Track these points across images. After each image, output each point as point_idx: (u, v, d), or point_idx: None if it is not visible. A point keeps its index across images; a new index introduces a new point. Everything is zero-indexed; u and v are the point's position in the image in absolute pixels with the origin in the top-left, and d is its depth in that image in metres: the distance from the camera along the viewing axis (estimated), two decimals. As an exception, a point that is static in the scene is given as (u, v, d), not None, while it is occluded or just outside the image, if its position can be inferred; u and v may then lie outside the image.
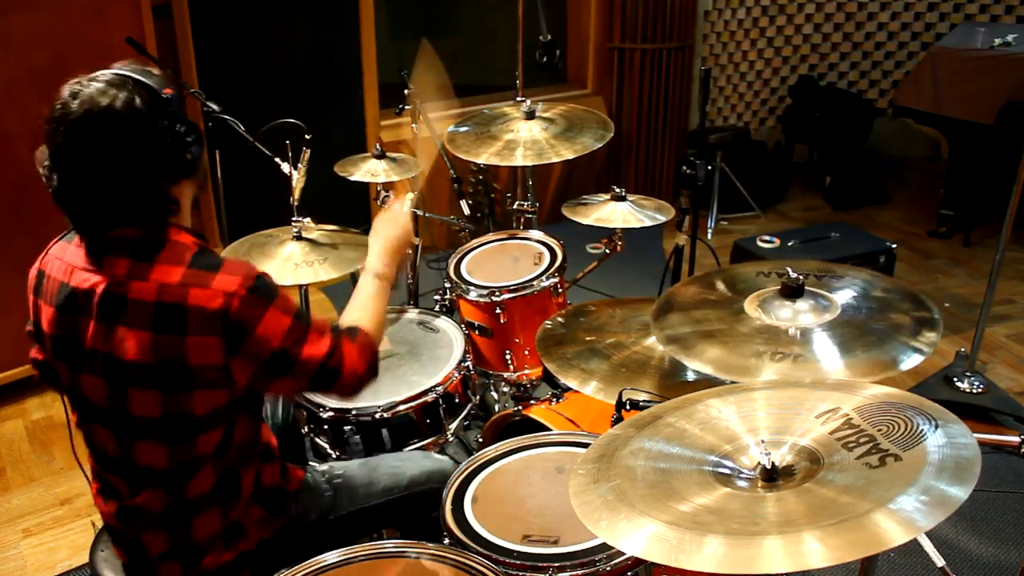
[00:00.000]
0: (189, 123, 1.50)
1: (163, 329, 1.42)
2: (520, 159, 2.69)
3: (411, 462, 1.87)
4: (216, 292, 1.42)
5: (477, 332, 2.52)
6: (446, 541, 1.60)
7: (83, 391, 1.53)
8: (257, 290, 1.45)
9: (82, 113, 1.39)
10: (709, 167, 4.48)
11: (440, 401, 2.12)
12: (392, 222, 1.86)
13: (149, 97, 1.43)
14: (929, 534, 2.22)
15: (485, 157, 2.72)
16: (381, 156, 2.91)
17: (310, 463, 1.85)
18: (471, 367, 2.25)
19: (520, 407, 2.22)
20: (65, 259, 1.52)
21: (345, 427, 2.06)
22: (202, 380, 1.45)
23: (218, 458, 1.54)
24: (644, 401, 1.68)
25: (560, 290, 2.54)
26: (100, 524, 1.72)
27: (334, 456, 2.11)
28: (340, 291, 4.09)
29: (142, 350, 1.43)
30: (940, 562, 2.13)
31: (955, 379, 3.18)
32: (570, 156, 2.67)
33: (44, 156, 1.44)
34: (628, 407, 1.69)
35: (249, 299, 1.43)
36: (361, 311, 1.68)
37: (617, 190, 2.67)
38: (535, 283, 2.48)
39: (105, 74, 1.45)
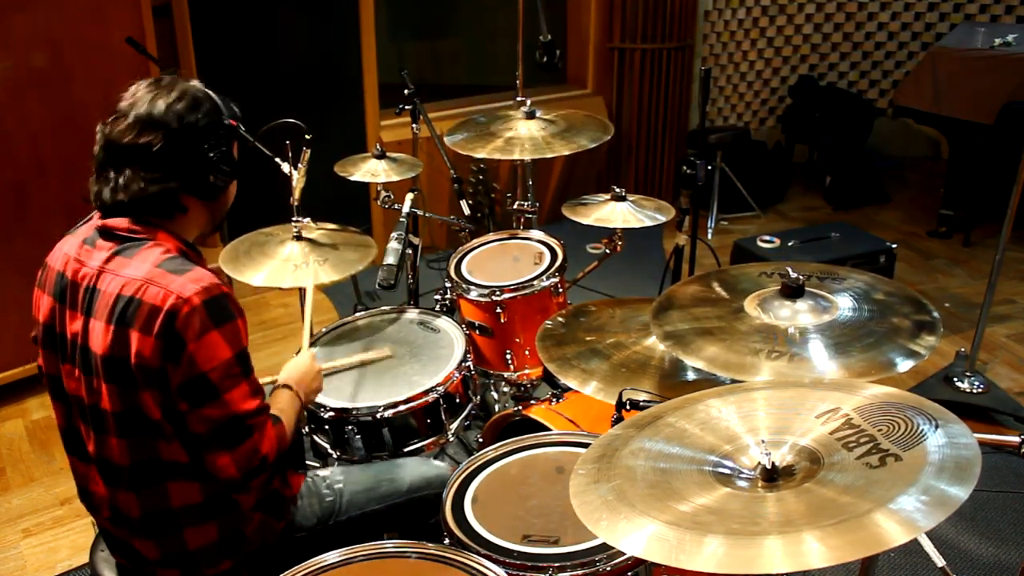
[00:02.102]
0: (232, 161, 1.57)
1: (117, 321, 1.44)
2: (518, 154, 2.71)
3: (410, 468, 1.88)
4: (170, 293, 1.42)
5: (477, 332, 2.52)
6: (446, 541, 1.60)
7: (64, 381, 1.55)
8: (210, 306, 1.43)
9: (149, 100, 1.48)
10: (709, 167, 4.48)
11: (441, 401, 2.12)
12: (305, 373, 1.81)
13: (209, 114, 1.52)
14: (929, 534, 2.22)
15: (485, 152, 2.74)
16: (381, 156, 2.91)
17: (311, 469, 1.85)
18: (472, 367, 2.25)
19: (520, 407, 2.22)
20: (63, 250, 1.57)
21: (346, 427, 2.06)
22: (144, 380, 1.44)
23: (204, 482, 1.53)
24: (644, 401, 1.68)
25: (560, 290, 2.54)
26: (100, 524, 1.72)
27: (335, 456, 2.11)
28: (340, 291, 4.09)
29: (104, 342, 1.45)
30: (940, 562, 2.13)
31: (955, 379, 3.18)
32: (566, 152, 2.69)
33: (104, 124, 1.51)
34: (628, 407, 1.68)
35: (199, 311, 1.42)
36: (282, 413, 1.65)
37: (617, 190, 2.67)
38: (535, 283, 2.48)
39: (196, 83, 1.56)
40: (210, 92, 1.56)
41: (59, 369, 1.56)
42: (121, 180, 1.47)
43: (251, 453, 1.50)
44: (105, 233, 1.51)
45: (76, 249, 1.54)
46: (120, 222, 1.50)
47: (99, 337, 1.45)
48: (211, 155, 1.52)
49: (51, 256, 1.59)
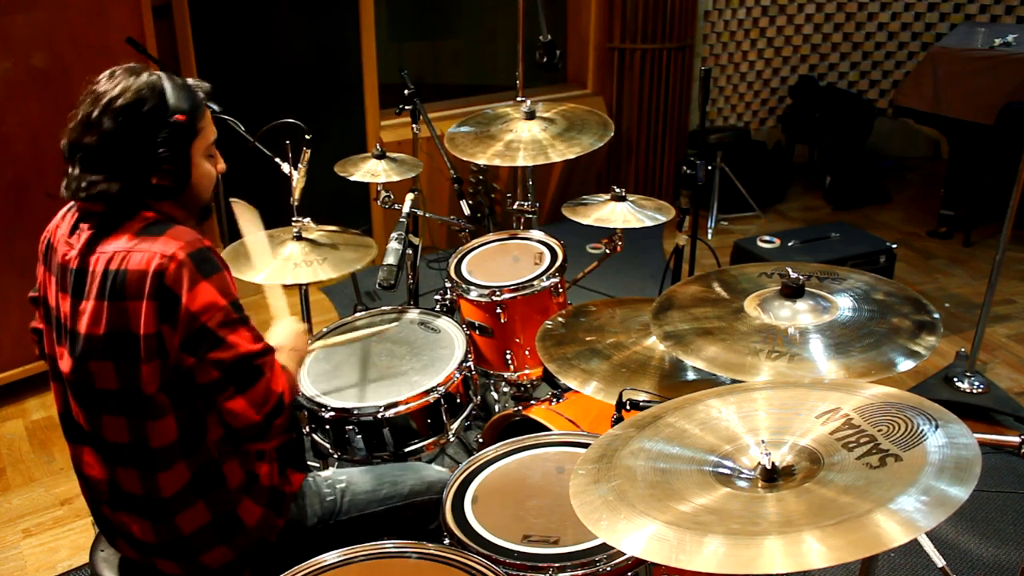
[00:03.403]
0: (181, 159, 1.49)
1: (109, 296, 1.44)
2: (520, 160, 2.69)
3: (412, 472, 1.87)
4: (155, 254, 1.42)
5: (478, 332, 2.52)
6: (446, 541, 1.60)
7: (58, 362, 1.56)
8: (196, 259, 1.44)
9: (93, 98, 1.46)
10: (709, 167, 4.49)
11: (442, 401, 2.12)
12: (289, 337, 1.78)
13: (151, 112, 1.46)
14: (929, 534, 2.22)
15: (485, 158, 2.72)
16: (381, 156, 2.91)
17: (312, 469, 1.85)
18: (472, 367, 2.25)
19: (520, 407, 2.22)
20: (61, 230, 1.57)
21: (347, 427, 2.06)
22: (147, 350, 1.44)
23: (191, 456, 1.53)
24: (644, 401, 1.68)
25: (560, 290, 2.53)
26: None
27: (335, 456, 2.11)
28: (340, 291, 4.09)
29: (96, 320, 1.45)
30: (940, 562, 2.13)
31: (955, 379, 3.18)
32: (570, 156, 2.67)
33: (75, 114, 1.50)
34: (628, 407, 1.68)
35: (186, 264, 1.42)
36: (285, 360, 1.65)
37: (617, 190, 2.67)
38: (535, 283, 2.47)
39: (152, 73, 1.50)
40: (165, 85, 1.48)
41: (55, 350, 1.57)
42: (74, 179, 1.47)
43: (266, 392, 1.49)
44: (87, 215, 1.51)
45: (67, 230, 1.54)
46: (101, 205, 1.49)
47: (94, 317, 1.45)
48: (152, 155, 1.46)
49: (54, 233, 1.59)
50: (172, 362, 1.45)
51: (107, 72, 1.50)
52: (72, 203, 1.58)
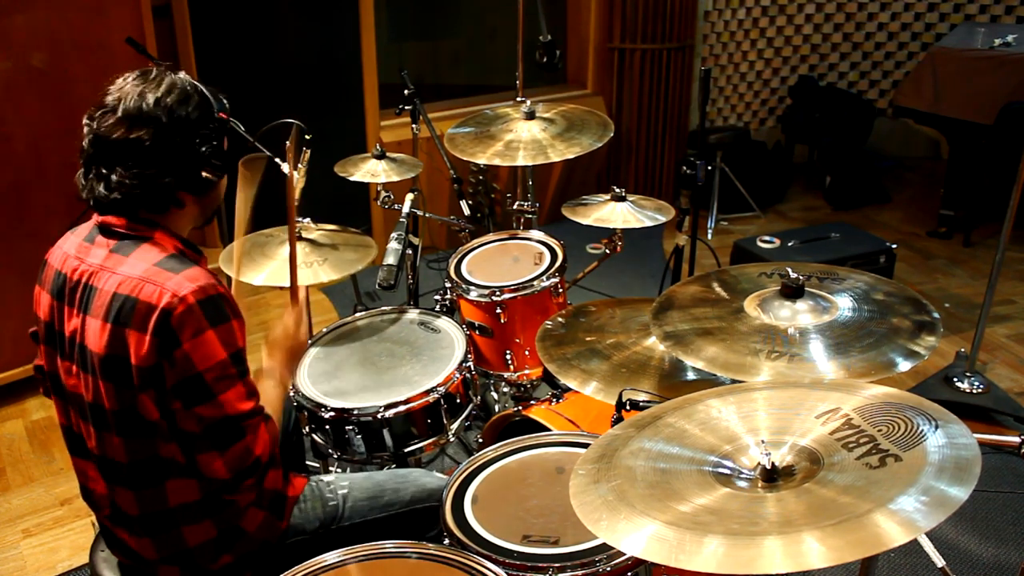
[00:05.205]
0: (224, 154, 1.55)
1: (114, 320, 1.44)
2: (520, 160, 2.69)
3: (413, 479, 1.87)
4: (166, 291, 1.42)
5: (477, 332, 2.52)
6: (446, 541, 1.60)
7: (63, 379, 1.55)
8: (206, 306, 1.42)
9: (137, 94, 1.46)
10: (709, 167, 4.49)
11: (442, 401, 2.12)
12: (287, 336, 1.77)
13: (199, 108, 1.50)
14: (929, 534, 2.22)
15: (485, 158, 2.72)
16: (381, 156, 2.91)
17: (315, 474, 1.85)
18: (472, 367, 2.25)
19: (520, 407, 2.22)
20: (63, 248, 1.57)
21: (346, 427, 2.06)
22: (142, 380, 1.43)
23: (203, 478, 1.52)
24: (644, 401, 1.68)
25: (560, 290, 2.53)
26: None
27: (335, 456, 2.11)
28: (340, 291, 4.09)
29: (101, 340, 1.45)
30: (940, 562, 2.13)
31: (955, 379, 3.18)
32: (570, 156, 2.67)
33: (89, 116, 1.49)
34: (628, 407, 1.68)
35: (193, 310, 1.41)
36: (269, 406, 1.62)
37: (617, 190, 2.67)
38: (535, 283, 2.47)
39: (184, 76, 1.53)
40: (199, 85, 1.53)
41: (57, 367, 1.56)
42: (114, 177, 1.45)
43: (243, 454, 1.48)
44: (104, 230, 1.51)
45: (76, 247, 1.54)
46: (119, 220, 1.50)
47: (96, 335, 1.45)
48: (202, 150, 1.50)
49: (51, 253, 1.59)
50: (166, 396, 1.45)
51: (137, 72, 1.51)
52: (81, 221, 1.58)
